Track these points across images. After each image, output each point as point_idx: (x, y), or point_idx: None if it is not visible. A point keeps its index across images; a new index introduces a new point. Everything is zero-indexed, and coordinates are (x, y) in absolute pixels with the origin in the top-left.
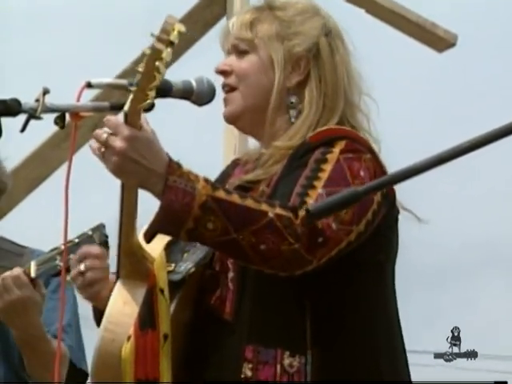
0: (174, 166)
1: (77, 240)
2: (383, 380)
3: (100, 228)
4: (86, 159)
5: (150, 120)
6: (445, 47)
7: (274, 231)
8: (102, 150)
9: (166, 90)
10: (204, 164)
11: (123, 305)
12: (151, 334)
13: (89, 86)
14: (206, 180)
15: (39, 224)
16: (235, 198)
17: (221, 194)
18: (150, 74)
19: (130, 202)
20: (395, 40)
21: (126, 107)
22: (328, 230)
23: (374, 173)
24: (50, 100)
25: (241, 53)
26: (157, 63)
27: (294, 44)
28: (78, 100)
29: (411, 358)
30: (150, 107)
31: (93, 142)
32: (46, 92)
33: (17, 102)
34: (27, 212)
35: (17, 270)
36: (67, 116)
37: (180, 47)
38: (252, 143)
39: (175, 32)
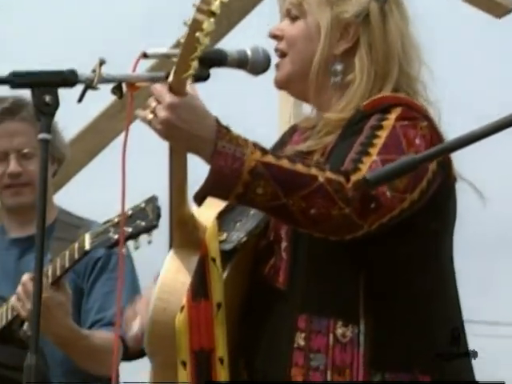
0: (222, 131)
1: (130, 212)
2: (438, 353)
3: (153, 200)
4: (143, 130)
5: (204, 89)
6: (503, 13)
7: (325, 196)
8: (151, 117)
9: (221, 60)
10: (259, 132)
11: (175, 274)
12: (204, 304)
13: (144, 56)
14: (255, 145)
15: (95, 195)
16: (285, 162)
17: (270, 158)
18: (190, 45)
19: (179, 171)
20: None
21: (170, 78)
22: (382, 196)
23: (431, 140)
24: (106, 70)
25: (292, 18)
26: (197, 34)
27: (343, 10)
28: (134, 70)
29: (467, 328)
30: (206, 77)
31: (140, 111)
32: (102, 62)
33: (74, 72)
34: (84, 183)
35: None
36: (124, 87)
37: (236, 16)
38: (307, 110)
39: (217, 2)
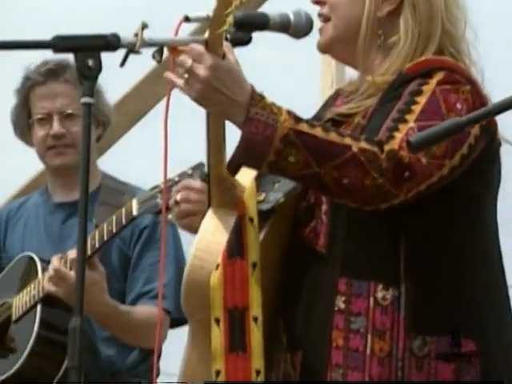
0: (256, 98)
1: (177, 178)
2: (479, 318)
3: (200, 167)
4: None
5: (246, 53)
6: None
7: (358, 165)
8: (185, 76)
9: (263, 24)
10: (302, 97)
11: (213, 233)
12: (239, 263)
13: (186, 19)
14: (289, 112)
15: (139, 160)
16: (318, 131)
17: (303, 127)
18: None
19: (216, 131)
20: None
21: (206, 35)
22: (416, 164)
23: (473, 104)
24: (148, 34)
25: None
26: None
27: None
28: (176, 34)
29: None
30: (247, 41)
31: (169, 73)
32: (144, 26)
33: (116, 37)
34: (127, 148)
35: (72, 254)
36: (165, 50)
37: None
38: (349, 75)
39: None
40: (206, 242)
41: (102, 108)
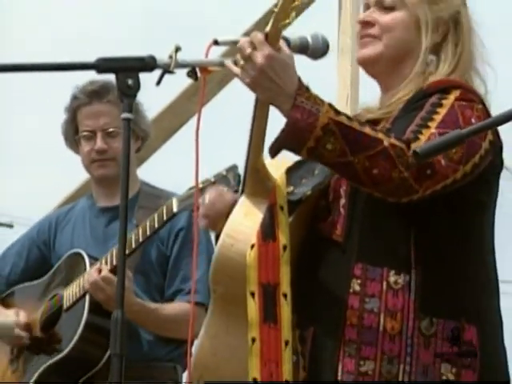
0: (303, 89)
1: (213, 179)
2: (480, 305)
3: (234, 168)
4: (215, 111)
5: None
6: None
7: (387, 158)
8: (242, 62)
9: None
10: None
11: (244, 216)
12: (272, 245)
13: (216, 43)
14: (331, 105)
15: (173, 170)
16: (355, 124)
17: (342, 119)
18: None
19: (261, 120)
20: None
21: (268, 27)
22: (437, 164)
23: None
24: (181, 56)
25: (386, 8)
26: None
27: (440, 9)
28: (207, 56)
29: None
30: (325, 51)
31: (228, 60)
32: (178, 49)
33: (153, 58)
34: (163, 159)
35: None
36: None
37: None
38: (363, 95)
39: None
40: (237, 223)
41: (140, 123)
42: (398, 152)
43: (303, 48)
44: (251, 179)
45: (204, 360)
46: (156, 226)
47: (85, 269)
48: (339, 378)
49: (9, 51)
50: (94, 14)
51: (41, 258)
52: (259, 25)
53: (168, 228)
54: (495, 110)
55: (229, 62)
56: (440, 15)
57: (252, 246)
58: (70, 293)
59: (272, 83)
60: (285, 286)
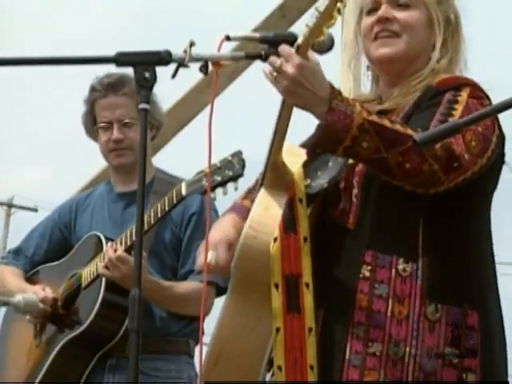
0: (336, 92)
1: (218, 164)
2: (482, 292)
3: (238, 154)
4: (225, 102)
5: None
6: None
7: (418, 153)
8: (274, 74)
9: (291, 41)
10: None
11: (265, 209)
12: (293, 237)
13: (227, 38)
14: (362, 105)
15: (186, 158)
16: (386, 122)
17: (374, 118)
18: (330, 13)
19: (285, 121)
20: None
21: (300, 40)
22: (463, 157)
23: (492, 117)
24: (195, 51)
25: (400, 6)
26: (338, 4)
27: (445, 8)
28: (219, 50)
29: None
30: (330, 47)
31: (266, 68)
32: (192, 44)
33: (168, 53)
34: (176, 148)
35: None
36: (210, 64)
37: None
38: (363, 88)
39: None
40: (259, 215)
41: (154, 113)
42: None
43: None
44: (271, 174)
45: (221, 339)
46: (166, 208)
47: (102, 249)
48: (347, 357)
49: (9, 51)
50: (94, 14)
51: (62, 239)
52: (267, 22)
53: (181, 212)
54: None
55: (266, 69)
56: (447, 14)
57: (275, 239)
58: (88, 272)
59: (305, 90)
60: (307, 277)
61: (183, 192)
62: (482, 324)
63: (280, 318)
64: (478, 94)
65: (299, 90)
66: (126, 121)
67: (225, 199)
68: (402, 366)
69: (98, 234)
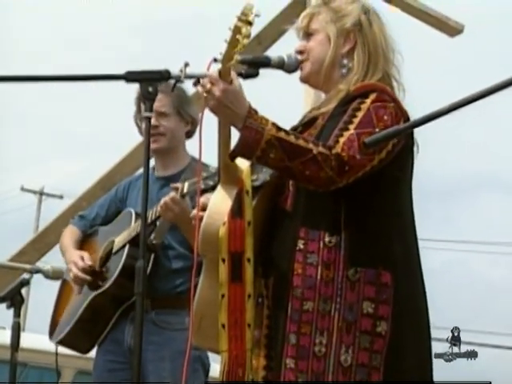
0: (252, 112)
1: (213, 171)
2: (394, 257)
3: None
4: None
5: (253, 85)
6: (455, 33)
7: (316, 163)
8: (205, 95)
9: (266, 63)
10: (289, 114)
11: (221, 201)
12: (239, 222)
13: (215, 60)
14: (274, 124)
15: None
16: (291, 138)
17: (281, 134)
18: (233, 43)
19: (224, 134)
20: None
21: (219, 67)
22: (351, 160)
23: (396, 116)
24: (189, 70)
25: (308, 35)
26: (237, 36)
27: (343, 23)
28: (208, 70)
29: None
30: (255, 75)
31: (200, 88)
32: (186, 64)
33: (167, 71)
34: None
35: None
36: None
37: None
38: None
39: (252, 15)
40: (215, 207)
41: (188, 110)
42: (324, 157)
43: (280, 64)
44: (224, 173)
45: (201, 307)
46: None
47: (130, 223)
48: (288, 314)
49: (9, 51)
50: (94, 15)
51: (116, 211)
52: (246, 48)
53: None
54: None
55: (200, 89)
56: (345, 27)
57: (224, 224)
58: (119, 240)
59: (228, 109)
60: (249, 253)
61: (185, 190)
62: (394, 281)
63: (225, 286)
64: (382, 97)
65: (223, 109)
66: (162, 110)
67: None
68: (329, 319)
69: (131, 209)
